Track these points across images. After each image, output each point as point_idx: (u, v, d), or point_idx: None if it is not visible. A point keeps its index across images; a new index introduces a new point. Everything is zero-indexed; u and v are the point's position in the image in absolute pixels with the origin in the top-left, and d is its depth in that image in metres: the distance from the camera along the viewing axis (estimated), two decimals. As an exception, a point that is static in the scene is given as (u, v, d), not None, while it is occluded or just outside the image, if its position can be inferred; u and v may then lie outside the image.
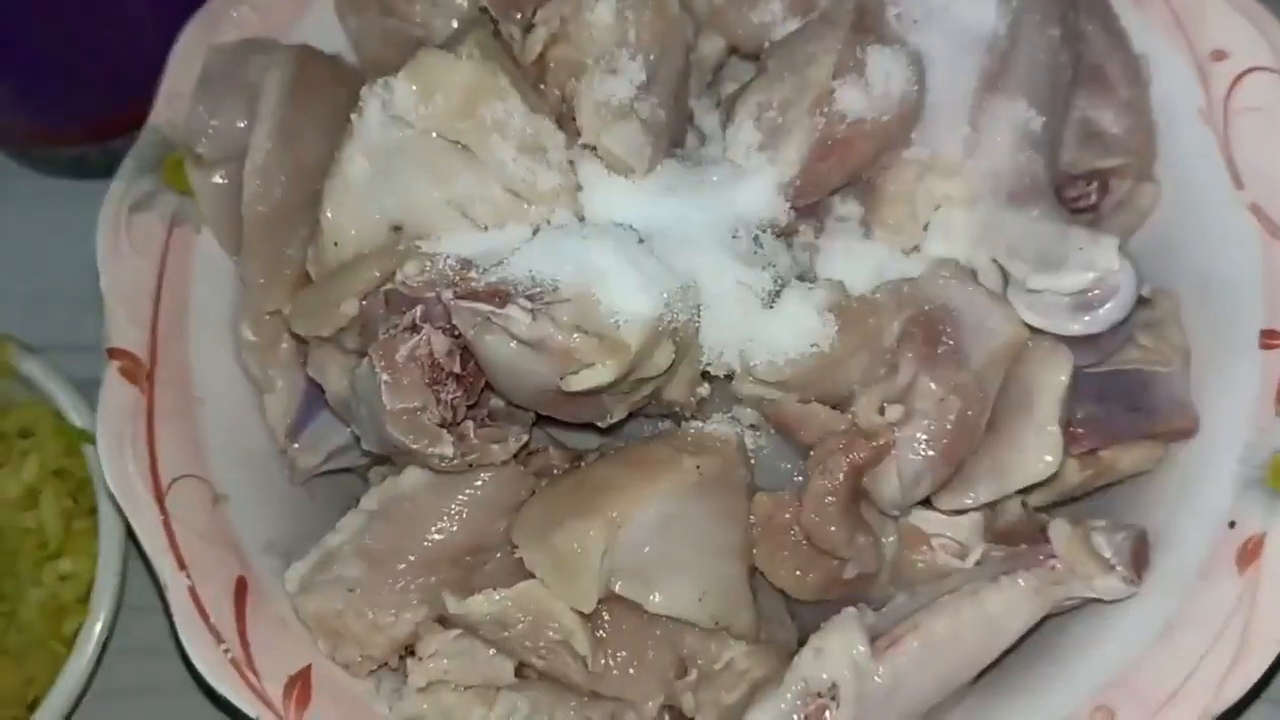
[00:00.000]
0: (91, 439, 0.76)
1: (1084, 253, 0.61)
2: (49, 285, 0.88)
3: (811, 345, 0.61)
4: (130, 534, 0.72)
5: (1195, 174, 0.69)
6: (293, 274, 0.69)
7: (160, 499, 0.65)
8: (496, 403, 0.63)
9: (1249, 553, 0.61)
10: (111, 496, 0.67)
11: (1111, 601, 0.62)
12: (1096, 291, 0.61)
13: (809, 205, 0.65)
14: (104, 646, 0.74)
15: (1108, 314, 0.61)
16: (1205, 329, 0.67)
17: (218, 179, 0.71)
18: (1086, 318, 0.61)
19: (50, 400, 0.78)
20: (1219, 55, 0.69)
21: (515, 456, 0.63)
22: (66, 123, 0.87)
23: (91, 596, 0.74)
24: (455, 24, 0.72)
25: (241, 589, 0.64)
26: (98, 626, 0.73)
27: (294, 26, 0.75)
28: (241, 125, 0.70)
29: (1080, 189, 0.70)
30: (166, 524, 0.65)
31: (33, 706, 0.73)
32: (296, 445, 0.70)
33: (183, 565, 0.64)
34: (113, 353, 0.68)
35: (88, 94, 0.85)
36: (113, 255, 0.70)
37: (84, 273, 0.85)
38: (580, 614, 0.59)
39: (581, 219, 0.63)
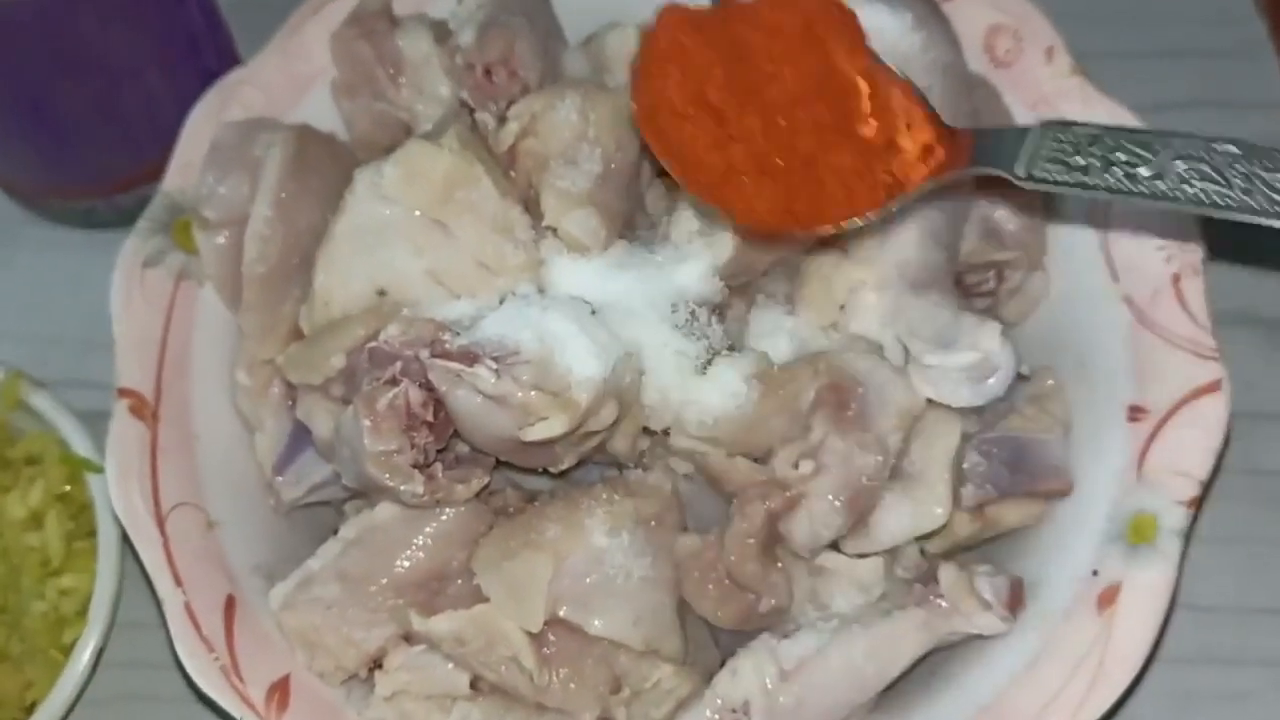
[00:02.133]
0: (93, 467, 0.82)
1: (971, 335, 0.69)
2: (56, 327, 0.93)
3: (737, 407, 0.68)
4: (127, 554, 0.79)
5: (1079, 268, 0.76)
6: (286, 328, 0.75)
7: (161, 524, 0.71)
8: (463, 448, 0.69)
9: (1107, 597, 0.67)
10: (116, 520, 0.73)
11: (989, 636, 0.68)
12: (981, 369, 0.69)
13: (741, 284, 0.73)
14: (99, 657, 0.79)
15: (990, 388, 0.69)
16: (1083, 403, 0.73)
17: (221, 240, 0.77)
18: (973, 390, 0.69)
19: (56, 431, 0.84)
20: (1106, 165, 0.77)
21: (477, 495, 0.69)
22: (80, 179, 0.92)
23: (89, 610, 0.79)
24: (438, 110, 0.79)
25: (230, 605, 0.70)
26: (94, 637, 0.78)
27: (295, 106, 0.82)
28: (245, 193, 0.76)
29: (980, 276, 0.77)
30: (166, 546, 0.70)
31: (31, 709, 0.78)
32: (282, 479, 0.75)
33: (179, 583, 0.70)
34: (122, 392, 0.74)
35: (102, 155, 0.90)
36: (125, 305, 0.76)
37: (88, 316, 0.90)
38: (528, 634, 0.65)
39: (542, 291, 0.70)
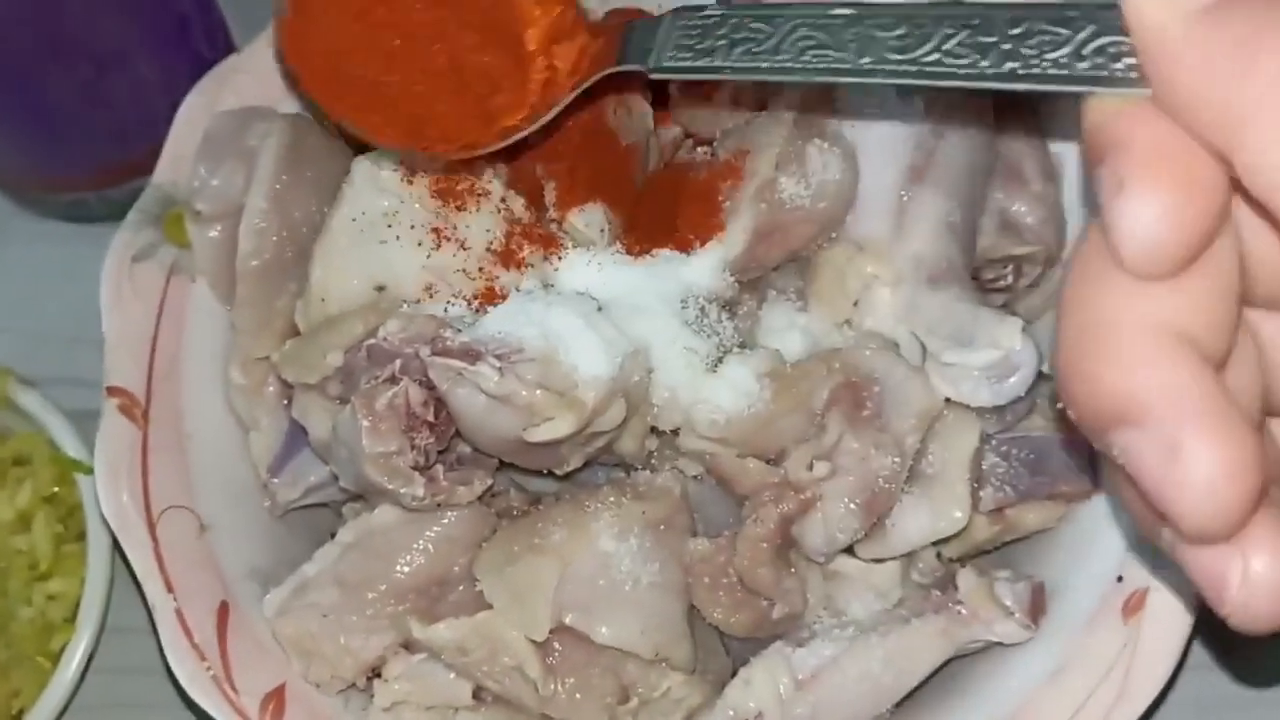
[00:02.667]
0: (82, 468, 0.80)
1: (991, 332, 0.67)
2: (44, 323, 0.91)
3: (749, 406, 0.66)
4: (116, 558, 0.77)
5: (1100, 262, 0.76)
6: (282, 324, 0.73)
7: (151, 527, 0.69)
8: (464, 449, 0.67)
9: (1133, 605, 0.65)
10: (105, 523, 0.71)
11: (1010, 644, 0.66)
12: (1002, 367, 0.66)
13: (751, 280, 0.71)
14: (88, 664, 0.77)
15: (1011, 388, 0.66)
16: (1105, 402, 0.73)
17: (214, 234, 0.75)
18: (993, 390, 0.66)
19: (45, 431, 0.82)
20: (1124, 156, 0.76)
21: (480, 498, 0.67)
22: (69, 171, 0.90)
23: (78, 616, 0.77)
24: None
25: (224, 612, 0.68)
26: (82, 644, 0.76)
27: (290, 96, 0.79)
28: (239, 185, 0.74)
29: (997, 271, 0.75)
30: (156, 550, 0.68)
31: (18, 718, 0.76)
32: (277, 481, 0.73)
33: (170, 588, 0.68)
34: (112, 390, 0.72)
35: (92, 146, 0.88)
36: (115, 301, 0.74)
37: (77, 311, 0.89)
38: (533, 642, 0.63)
39: (548, 286, 0.68)
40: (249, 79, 0.80)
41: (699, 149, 0.78)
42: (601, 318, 0.66)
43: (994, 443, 0.70)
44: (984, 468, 0.69)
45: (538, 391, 0.63)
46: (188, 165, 0.76)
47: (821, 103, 0.71)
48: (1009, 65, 0.48)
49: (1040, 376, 0.68)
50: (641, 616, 0.64)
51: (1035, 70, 0.48)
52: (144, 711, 0.79)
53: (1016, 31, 0.48)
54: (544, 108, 0.66)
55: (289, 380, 0.69)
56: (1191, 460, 0.42)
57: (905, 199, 0.70)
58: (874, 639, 0.66)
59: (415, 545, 0.67)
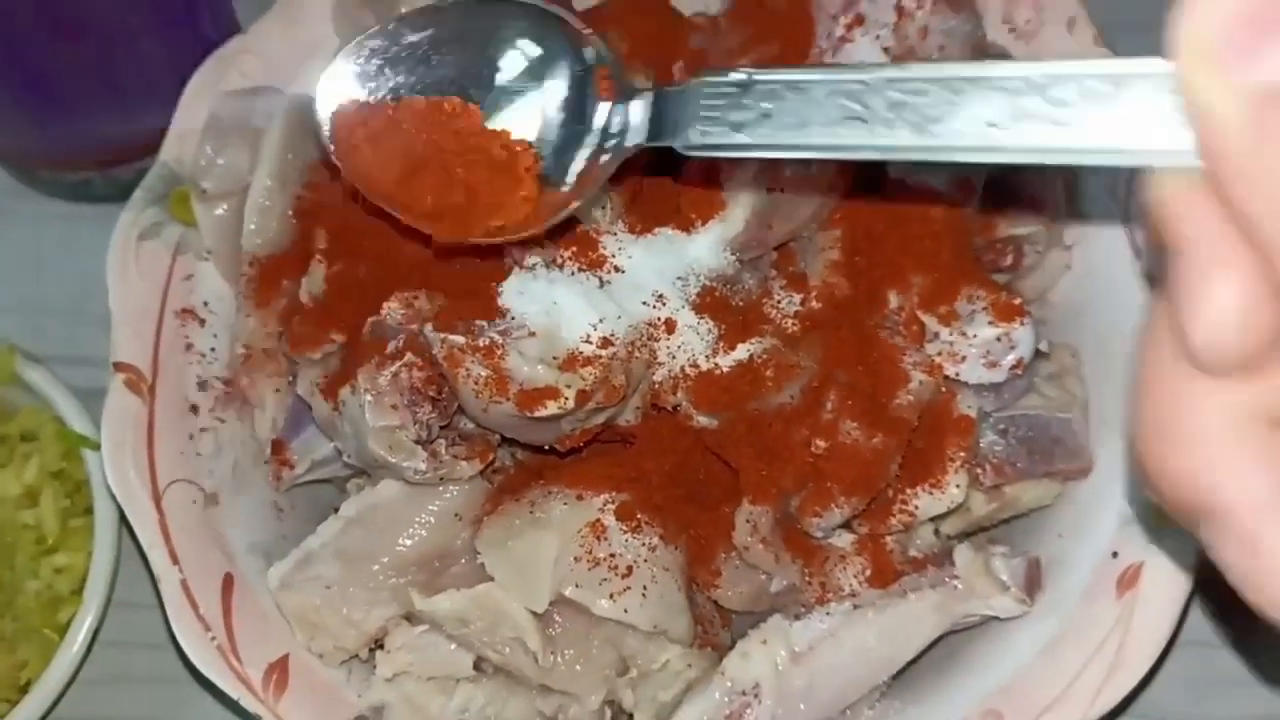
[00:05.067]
0: (89, 444, 0.81)
1: (991, 310, 0.68)
2: (49, 300, 0.92)
3: (749, 382, 0.66)
4: (123, 532, 0.78)
5: (1101, 243, 0.75)
6: (286, 301, 0.73)
7: (157, 500, 0.70)
8: (466, 424, 0.68)
9: (1127, 580, 0.66)
10: (112, 496, 0.71)
11: (1006, 619, 0.67)
12: (1000, 345, 0.67)
13: (753, 258, 0.71)
14: (94, 636, 0.78)
15: (1008, 365, 0.67)
16: (1102, 381, 0.72)
17: (220, 212, 0.76)
18: (991, 368, 0.67)
19: (51, 407, 0.82)
20: (1124, 139, 0.76)
21: (481, 472, 0.68)
22: (75, 150, 0.91)
23: (85, 589, 0.78)
24: None
25: (228, 584, 0.69)
26: (89, 617, 0.77)
27: (296, 75, 0.80)
28: (244, 164, 0.75)
29: (998, 251, 0.76)
30: (162, 523, 0.69)
31: (25, 689, 0.77)
32: (282, 456, 0.74)
33: (176, 560, 0.69)
34: (118, 366, 0.73)
35: (97, 125, 0.89)
36: (121, 278, 0.75)
37: (82, 290, 0.90)
38: (533, 614, 0.64)
39: (549, 264, 0.68)
40: (255, 59, 0.80)
41: (701, 129, 0.78)
42: (603, 294, 0.67)
43: (991, 420, 0.70)
44: (982, 445, 0.70)
45: (539, 367, 0.63)
46: (193, 144, 0.77)
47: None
48: (1052, 132, 0.44)
49: (1038, 354, 0.69)
50: (640, 589, 0.65)
51: (1082, 144, 0.43)
52: (149, 685, 0.80)
53: (1062, 96, 0.44)
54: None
55: (293, 357, 0.70)
56: (1273, 558, 0.40)
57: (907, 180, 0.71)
58: (870, 613, 0.67)
59: (417, 519, 0.68)
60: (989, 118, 0.45)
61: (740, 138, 0.53)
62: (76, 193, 0.94)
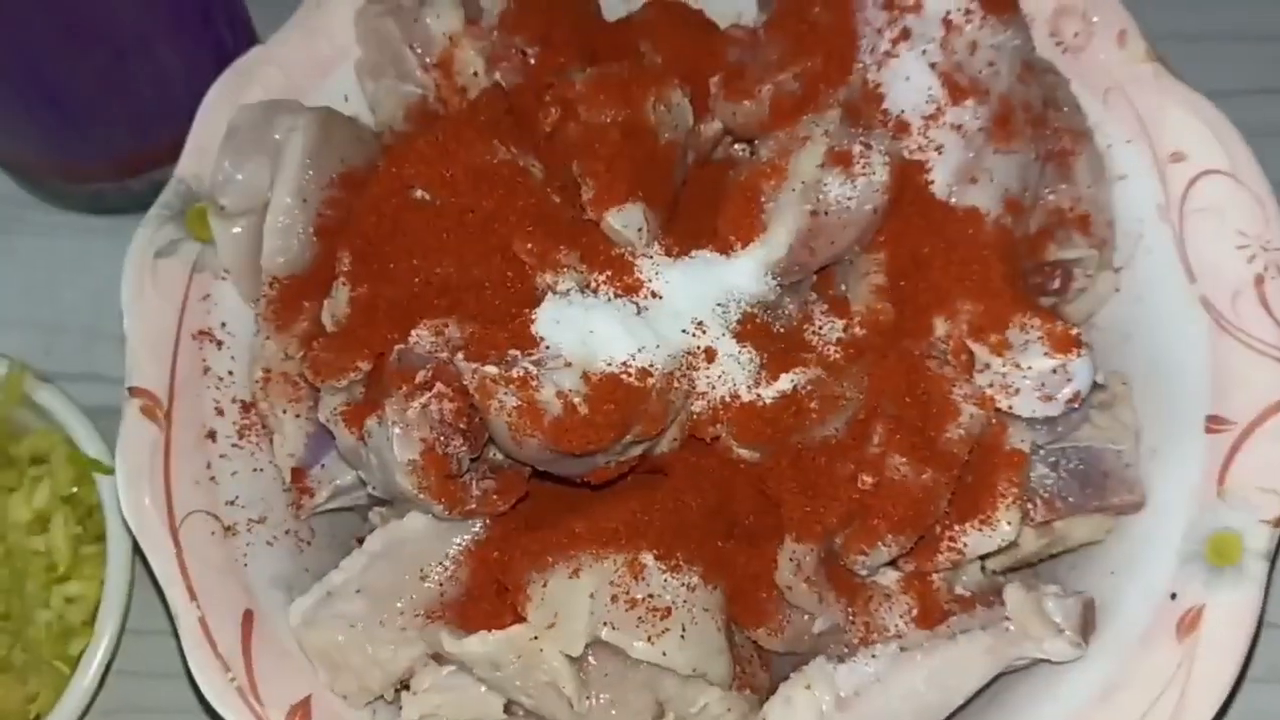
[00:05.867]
0: (101, 468, 0.78)
1: (1046, 340, 0.65)
2: (62, 315, 0.90)
3: (792, 414, 0.64)
4: (136, 559, 0.76)
5: (1152, 266, 0.73)
6: (308, 324, 0.71)
7: (174, 532, 0.68)
8: (497, 456, 0.65)
9: (1188, 623, 0.64)
10: (125, 525, 0.69)
11: (1059, 663, 0.65)
12: (1056, 377, 0.65)
13: (794, 282, 0.69)
14: (106, 668, 0.75)
15: (1065, 398, 0.65)
16: (1156, 411, 0.70)
17: (238, 230, 0.74)
18: (1046, 400, 0.65)
19: (63, 429, 0.80)
20: (1178, 157, 0.73)
21: (513, 506, 0.65)
22: (88, 161, 0.89)
23: (97, 619, 0.75)
24: (469, 93, 0.76)
25: (248, 620, 0.67)
26: (101, 648, 0.75)
27: (317, 87, 0.78)
28: (264, 180, 0.73)
29: (1047, 275, 0.74)
30: (179, 557, 0.67)
31: (36, 722, 0.75)
32: (303, 484, 0.72)
33: (194, 596, 0.66)
34: (134, 391, 0.70)
35: (111, 135, 0.87)
36: (137, 298, 0.72)
37: (96, 304, 0.88)
38: (568, 657, 0.61)
39: (584, 290, 0.66)
40: (275, 71, 0.78)
41: (738, 146, 0.76)
42: (641, 322, 0.64)
43: (1042, 453, 0.68)
44: (1033, 478, 0.68)
45: (575, 400, 0.60)
46: (211, 159, 0.75)
47: (869, 101, 0.69)
48: None
49: (1094, 386, 0.66)
50: (678, 630, 0.62)
51: None
52: (165, 716, 0.78)
53: None
54: None
55: (315, 384, 0.67)
56: None
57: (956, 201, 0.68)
58: (918, 656, 0.64)
59: (445, 555, 0.66)
60: None
61: None
62: (89, 204, 0.92)
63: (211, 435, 0.72)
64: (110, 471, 0.76)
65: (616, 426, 0.61)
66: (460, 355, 0.62)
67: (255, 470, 0.73)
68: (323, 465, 0.72)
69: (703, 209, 0.72)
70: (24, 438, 0.81)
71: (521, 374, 0.61)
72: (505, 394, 0.61)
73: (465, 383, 0.62)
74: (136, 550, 0.73)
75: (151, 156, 0.86)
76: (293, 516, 0.72)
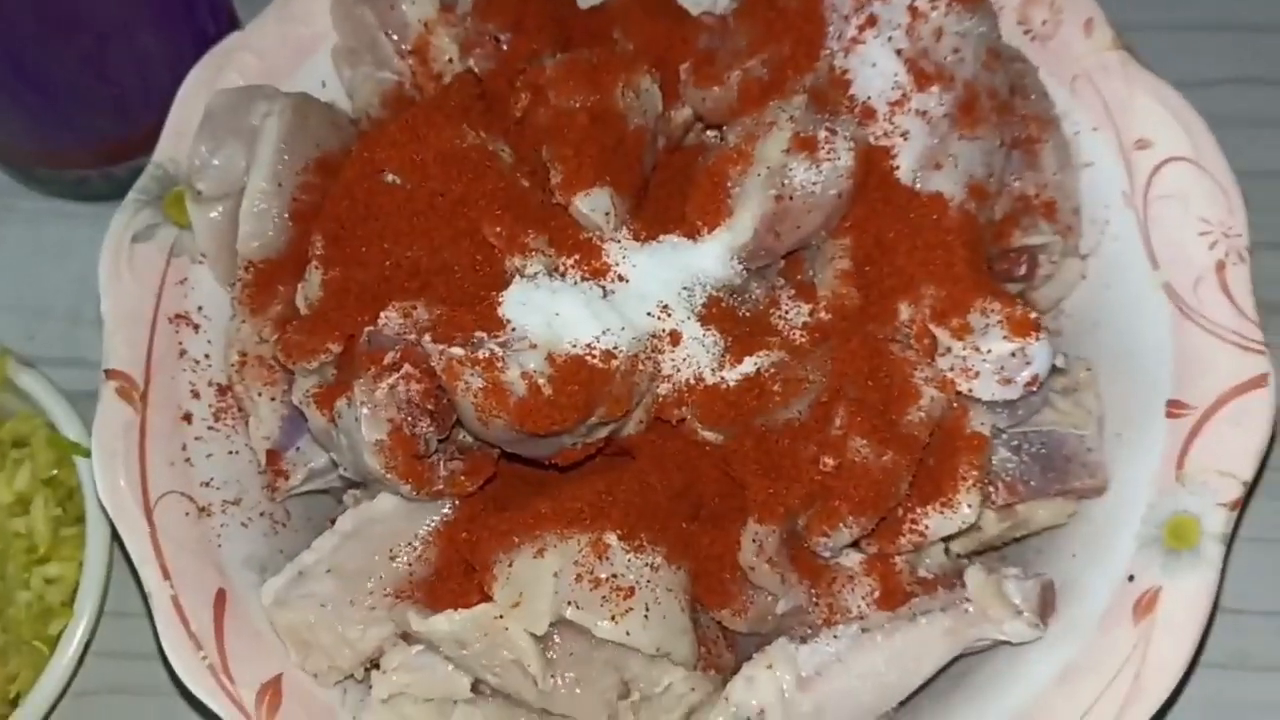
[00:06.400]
0: (81, 451, 0.79)
1: (1006, 324, 0.66)
2: (45, 300, 0.90)
3: (755, 396, 0.64)
4: (115, 542, 0.76)
5: (1118, 253, 0.73)
6: (282, 307, 0.72)
7: (149, 513, 0.68)
8: (465, 438, 0.66)
9: (1144, 605, 0.64)
10: (102, 508, 0.70)
11: (1018, 644, 0.65)
12: (1015, 360, 0.65)
13: (761, 267, 0.70)
14: (85, 648, 0.76)
15: (1023, 381, 0.65)
16: (1119, 396, 0.70)
17: (215, 214, 0.74)
18: (1005, 384, 0.65)
19: (44, 413, 0.81)
20: (1143, 144, 0.73)
21: (481, 487, 0.66)
22: (72, 147, 0.89)
23: (76, 600, 0.76)
24: (443, 79, 0.76)
25: (221, 600, 0.67)
26: (80, 629, 0.76)
27: (293, 73, 0.79)
28: (240, 165, 0.73)
29: (1012, 261, 0.74)
30: (153, 537, 0.68)
31: (15, 702, 0.75)
32: (278, 466, 0.72)
33: (167, 575, 0.67)
34: (110, 373, 0.71)
35: (94, 121, 0.87)
36: (114, 282, 0.73)
37: (79, 290, 0.89)
38: (533, 636, 0.62)
39: (551, 273, 0.66)
40: (252, 57, 0.79)
41: (709, 132, 0.76)
42: (607, 305, 0.65)
43: (1005, 436, 0.68)
44: (994, 462, 0.68)
45: (540, 381, 0.61)
46: (189, 143, 0.75)
47: (836, 87, 0.70)
48: None
49: (1053, 369, 0.67)
50: (643, 610, 0.63)
51: None
52: (143, 697, 0.78)
53: None
54: None
55: (287, 366, 0.68)
56: None
57: (921, 187, 0.69)
58: (879, 636, 0.65)
59: (415, 535, 0.66)
60: None
61: None
62: (73, 191, 0.93)
63: (187, 417, 0.73)
64: (89, 454, 0.76)
65: (580, 408, 0.62)
66: (428, 337, 0.63)
67: (230, 453, 0.73)
68: (298, 448, 0.73)
69: (673, 194, 0.72)
70: (5, 421, 0.82)
71: (487, 355, 0.62)
72: (471, 375, 0.62)
73: (433, 364, 0.62)
74: (115, 532, 0.73)
75: (135, 144, 0.86)
76: (267, 499, 0.73)
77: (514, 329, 0.63)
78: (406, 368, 0.63)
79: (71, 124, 0.88)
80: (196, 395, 0.73)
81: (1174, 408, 0.69)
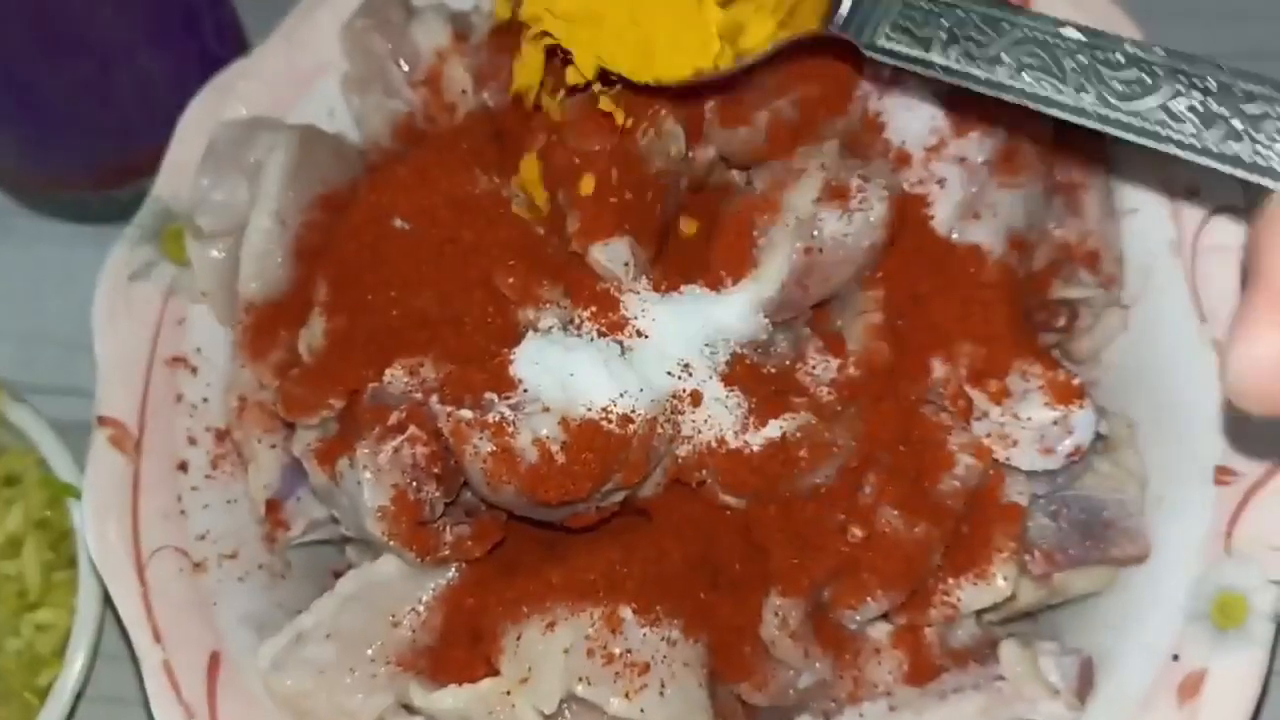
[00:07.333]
0: (74, 492, 0.76)
1: (1048, 389, 0.63)
2: (41, 326, 0.88)
3: (780, 461, 0.61)
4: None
5: (1163, 305, 0.70)
6: (283, 353, 0.69)
7: (140, 570, 0.65)
8: (472, 500, 0.63)
9: (1189, 687, 0.61)
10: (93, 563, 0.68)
11: (1054, 725, 0.62)
12: (1056, 428, 0.62)
13: (786, 320, 0.66)
14: (77, 700, 0.73)
15: (1065, 450, 0.62)
16: (1163, 457, 0.67)
17: (215, 253, 0.72)
18: (1046, 453, 0.62)
19: (36, 450, 0.78)
20: (1192, 192, 0.70)
21: (489, 552, 0.63)
22: (70, 169, 0.87)
23: (67, 649, 0.73)
24: (457, 111, 0.73)
25: (214, 663, 0.65)
26: (71, 681, 0.73)
27: (300, 103, 0.76)
28: (243, 201, 0.71)
29: (1051, 313, 0.71)
30: (145, 596, 0.65)
31: (2, 755, 0.73)
32: (277, 516, 0.70)
33: (158, 638, 0.64)
34: (103, 420, 0.68)
35: (93, 143, 0.85)
36: (109, 323, 0.70)
37: (76, 315, 0.85)
38: (542, 714, 0.59)
39: (566, 328, 0.63)
40: (257, 85, 0.76)
41: (734, 170, 0.73)
42: (624, 364, 0.61)
43: (1042, 502, 0.65)
44: (1030, 529, 0.65)
45: (553, 447, 0.58)
46: (189, 177, 0.73)
47: (869, 130, 0.66)
48: (1234, 147, 0.47)
49: (1095, 436, 0.64)
50: (658, 686, 0.60)
51: (1261, 161, 0.47)
52: (135, 745, 0.75)
53: (1253, 111, 0.47)
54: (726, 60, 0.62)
55: (287, 420, 0.65)
56: None
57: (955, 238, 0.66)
58: (908, 715, 0.62)
59: (419, 599, 0.63)
60: (1175, 109, 0.49)
61: (925, 54, 0.55)
62: (71, 212, 0.90)
63: (183, 466, 0.70)
64: (81, 497, 0.73)
65: (595, 476, 0.59)
66: (435, 398, 0.60)
67: (228, 502, 0.70)
68: (298, 498, 0.70)
69: (697, 238, 0.69)
70: (-1, 457, 0.80)
71: (498, 419, 0.59)
72: (480, 439, 0.59)
73: (440, 426, 0.59)
74: (107, 584, 0.71)
75: (136, 166, 0.83)
76: (266, 550, 0.70)
77: (526, 390, 0.59)
78: (412, 429, 0.60)
79: (71, 146, 0.85)
80: (193, 442, 0.71)
81: (1222, 474, 0.65)
